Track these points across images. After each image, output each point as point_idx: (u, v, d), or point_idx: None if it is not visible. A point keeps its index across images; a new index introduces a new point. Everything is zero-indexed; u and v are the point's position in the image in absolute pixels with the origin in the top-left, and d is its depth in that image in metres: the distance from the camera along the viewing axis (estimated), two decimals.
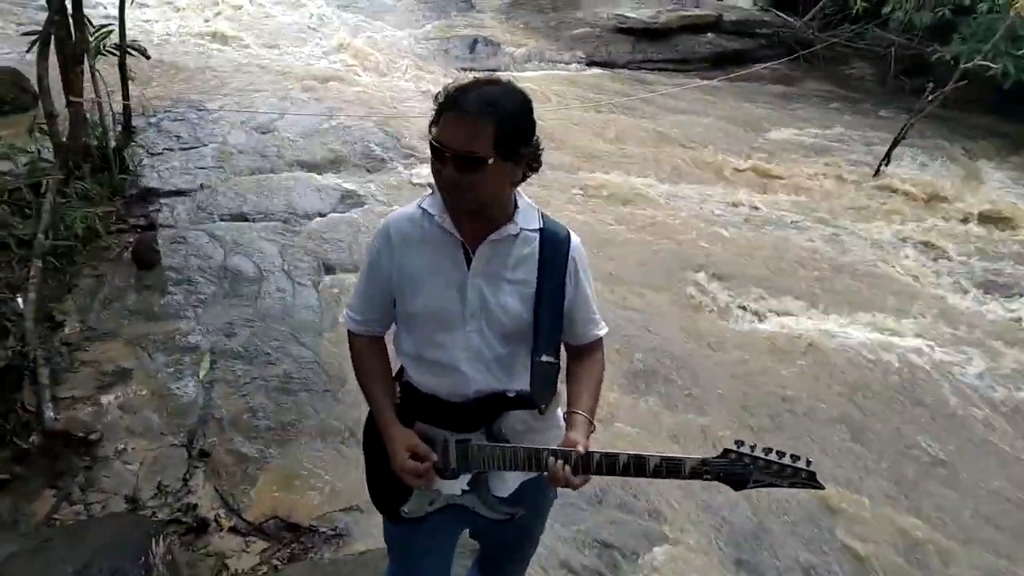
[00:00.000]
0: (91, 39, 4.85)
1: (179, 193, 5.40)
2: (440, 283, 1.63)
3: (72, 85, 4.77)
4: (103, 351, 3.91)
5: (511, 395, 1.68)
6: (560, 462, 1.57)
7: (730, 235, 5.62)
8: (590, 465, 1.58)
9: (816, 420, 3.86)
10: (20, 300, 3.97)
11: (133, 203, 5.20)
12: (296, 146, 6.25)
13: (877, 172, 6.87)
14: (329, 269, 4.72)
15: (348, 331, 1.81)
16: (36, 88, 4.83)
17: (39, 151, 4.93)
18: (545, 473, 1.61)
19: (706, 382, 4.06)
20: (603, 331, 1.79)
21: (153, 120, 6.45)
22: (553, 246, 1.65)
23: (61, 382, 3.65)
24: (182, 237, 4.89)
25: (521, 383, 1.68)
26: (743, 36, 10.38)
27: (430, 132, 1.53)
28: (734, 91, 9.12)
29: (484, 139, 1.46)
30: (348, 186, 5.65)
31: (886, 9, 8.58)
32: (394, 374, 1.81)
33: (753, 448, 1.53)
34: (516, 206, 1.64)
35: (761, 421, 3.82)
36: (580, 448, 1.58)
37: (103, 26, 4.92)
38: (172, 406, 3.60)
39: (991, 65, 7.06)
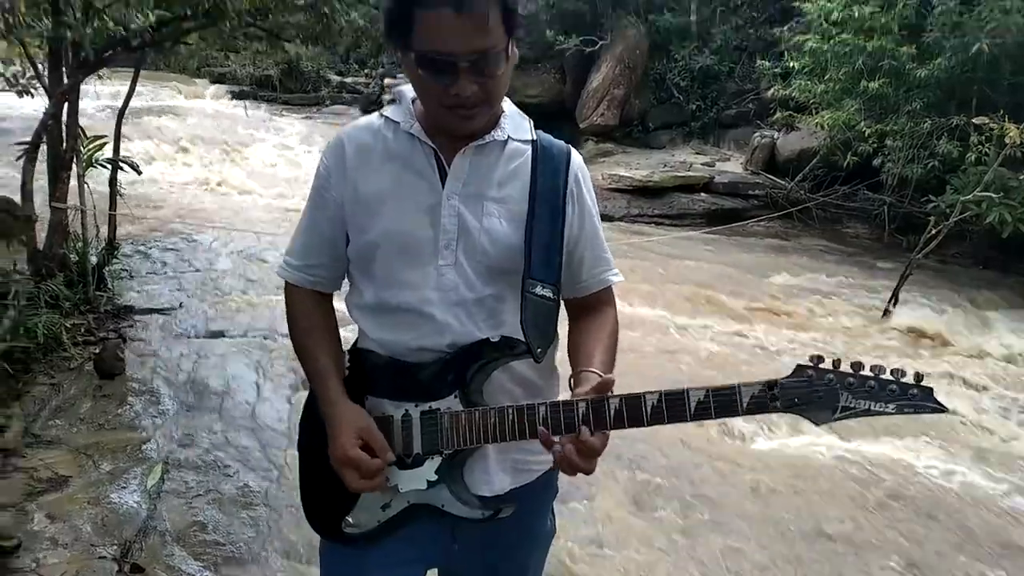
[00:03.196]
0: (83, 149, 4.79)
1: (156, 311, 5.12)
2: (406, 204, 1.27)
3: (56, 191, 4.64)
4: (42, 459, 3.46)
5: (495, 340, 1.27)
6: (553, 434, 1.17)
7: (737, 362, 5.28)
8: (606, 415, 1.16)
9: (855, 545, 3.33)
10: None
11: (106, 318, 4.89)
12: None
13: (886, 313, 6.65)
14: (305, 384, 4.34)
15: (285, 283, 1.43)
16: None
17: (15, 263, 4.73)
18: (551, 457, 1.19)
19: (726, 504, 3.57)
20: (618, 277, 1.41)
21: (141, 248, 6.32)
22: (549, 160, 1.31)
23: None
24: (152, 351, 4.55)
25: (509, 331, 1.28)
26: (736, 196, 10.59)
27: (401, 43, 1.18)
28: (731, 243, 9.12)
29: (495, 25, 1.14)
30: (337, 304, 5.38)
31: (876, 161, 8.76)
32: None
33: (838, 363, 1.12)
34: (502, 110, 1.31)
35: (797, 549, 3.29)
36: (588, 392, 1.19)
37: (97, 137, 4.87)
38: (110, 517, 3.10)
39: (983, 210, 7.04)
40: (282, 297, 1.45)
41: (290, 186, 9.65)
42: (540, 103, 13.51)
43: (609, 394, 1.20)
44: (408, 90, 1.34)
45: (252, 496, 3.35)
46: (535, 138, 1.34)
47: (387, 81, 15.79)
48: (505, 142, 1.30)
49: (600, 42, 12.85)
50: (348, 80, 16.94)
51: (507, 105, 1.33)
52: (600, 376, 1.24)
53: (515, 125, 1.33)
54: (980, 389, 5.21)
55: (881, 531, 3.45)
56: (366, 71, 17.23)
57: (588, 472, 1.20)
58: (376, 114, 1.36)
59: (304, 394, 4.16)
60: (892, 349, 6.01)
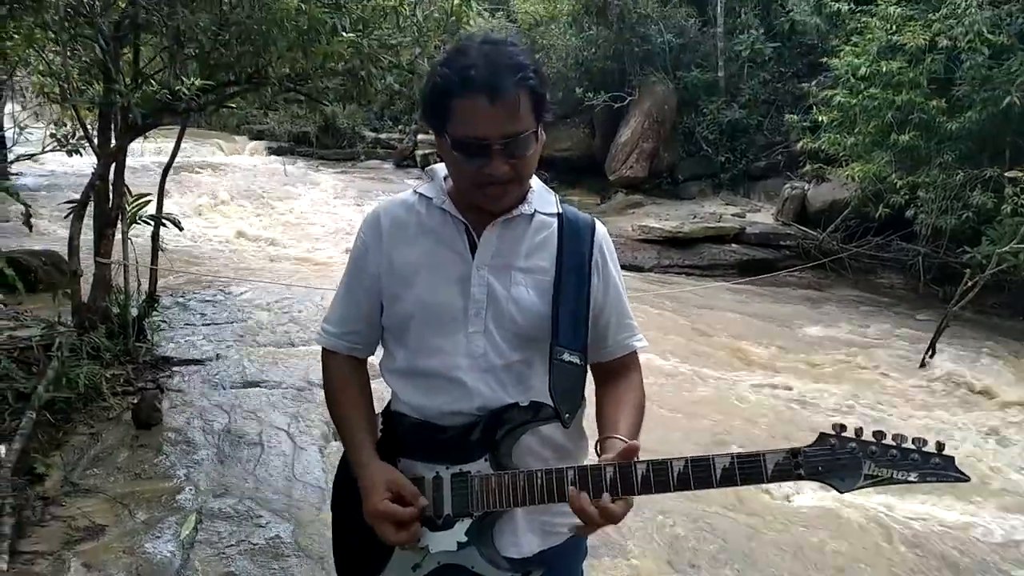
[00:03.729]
0: (128, 207, 4.97)
1: (193, 362, 5.23)
2: (438, 276, 1.34)
3: (101, 247, 4.81)
4: (80, 507, 3.52)
5: (524, 404, 1.31)
6: (581, 492, 1.19)
7: (772, 414, 5.22)
8: (633, 480, 1.18)
9: None
10: (2, 449, 3.68)
11: (144, 369, 5.00)
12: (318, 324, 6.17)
13: (923, 364, 6.54)
14: (336, 435, 4.39)
15: (322, 349, 1.49)
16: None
17: (59, 315, 4.89)
18: (576, 525, 1.21)
19: (766, 565, 3.50)
20: (642, 343, 1.45)
21: (180, 300, 6.49)
22: (575, 232, 1.39)
23: (26, 536, 3.25)
24: (188, 401, 4.64)
25: (537, 395, 1.32)
26: (767, 247, 10.57)
27: (438, 127, 1.28)
28: (763, 294, 9.08)
29: (526, 112, 1.24)
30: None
31: (909, 212, 8.71)
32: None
33: (860, 431, 1.14)
34: (530, 186, 1.38)
35: None
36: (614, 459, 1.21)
37: (142, 195, 5.06)
38: (144, 567, 3.14)
39: (1020, 262, 6.93)
40: (314, 348, 1.50)
41: (325, 239, 9.86)
42: (570, 156, 13.76)
43: (636, 459, 1.23)
44: (440, 168, 1.43)
45: (283, 547, 3.37)
46: (561, 211, 1.42)
47: (419, 137, 16.17)
48: (532, 215, 1.38)
49: (628, 98, 13.07)
50: (382, 136, 17.43)
51: (534, 181, 1.41)
52: (625, 442, 1.27)
53: (542, 199, 1.41)
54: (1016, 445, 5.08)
55: None
56: (400, 127, 17.70)
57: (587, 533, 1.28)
58: (410, 191, 1.45)
59: (335, 445, 4.21)
60: (931, 402, 5.89)
